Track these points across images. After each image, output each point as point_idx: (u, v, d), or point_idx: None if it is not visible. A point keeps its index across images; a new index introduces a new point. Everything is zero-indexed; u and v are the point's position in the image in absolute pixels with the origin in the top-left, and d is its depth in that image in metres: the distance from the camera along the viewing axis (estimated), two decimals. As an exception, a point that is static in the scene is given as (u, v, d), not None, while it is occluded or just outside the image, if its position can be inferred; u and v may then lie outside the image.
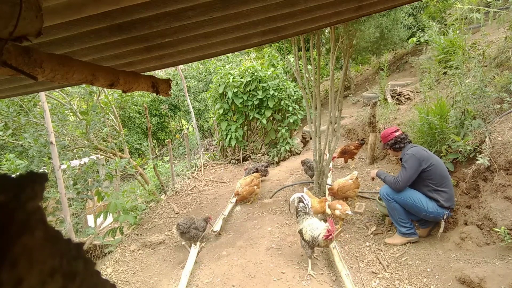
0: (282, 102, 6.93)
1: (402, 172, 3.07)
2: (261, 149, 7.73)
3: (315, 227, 2.90)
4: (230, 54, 10.68)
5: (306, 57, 4.37)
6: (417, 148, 3.11)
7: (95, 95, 5.74)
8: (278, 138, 7.13)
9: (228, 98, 6.91)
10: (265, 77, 6.85)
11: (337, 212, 3.54)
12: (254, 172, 5.33)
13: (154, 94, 2.08)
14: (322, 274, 2.98)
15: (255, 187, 4.76)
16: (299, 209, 3.26)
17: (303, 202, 3.26)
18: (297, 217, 3.27)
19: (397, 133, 3.23)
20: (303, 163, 5.18)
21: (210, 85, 7.79)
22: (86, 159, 5.24)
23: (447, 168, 3.23)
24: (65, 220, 4.03)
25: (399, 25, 7.37)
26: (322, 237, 2.76)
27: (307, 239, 2.89)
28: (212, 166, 7.28)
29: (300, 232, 3.03)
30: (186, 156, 8.09)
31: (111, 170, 5.36)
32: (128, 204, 4.71)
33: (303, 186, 5.10)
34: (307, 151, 7.17)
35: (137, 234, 4.62)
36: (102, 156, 6.28)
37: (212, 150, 8.45)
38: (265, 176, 5.65)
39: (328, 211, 3.76)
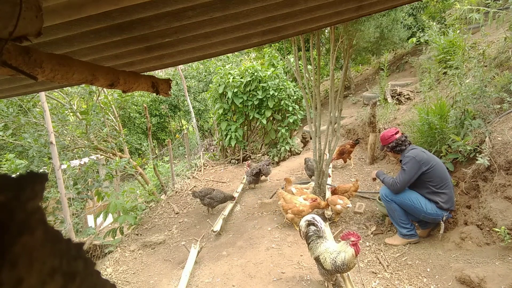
0: (282, 102, 6.93)
1: (401, 174, 3.06)
2: (261, 149, 7.73)
3: (333, 251, 2.49)
4: (230, 54, 10.68)
5: (306, 57, 4.36)
6: (417, 150, 3.08)
7: (95, 95, 5.75)
8: (278, 138, 7.13)
9: (228, 98, 6.91)
10: (265, 77, 6.85)
11: (338, 207, 3.57)
12: (256, 172, 5.32)
13: (154, 94, 2.08)
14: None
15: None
16: (310, 234, 2.74)
17: (315, 225, 2.78)
18: (308, 243, 2.73)
19: (397, 135, 3.18)
20: (305, 161, 5.21)
21: (210, 85, 7.79)
22: (86, 159, 5.24)
23: (447, 168, 3.23)
24: (65, 220, 4.03)
25: (399, 25, 7.34)
26: (352, 254, 2.37)
27: (329, 268, 2.47)
28: (212, 166, 7.27)
29: (317, 259, 2.60)
30: (186, 156, 8.09)
31: (111, 170, 5.37)
32: (128, 204, 4.71)
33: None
34: (307, 151, 7.17)
35: (137, 234, 4.62)
36: (102, 156, 6.28)
37: (212, 150, 8.45)
38: (265, 176, 5.64)
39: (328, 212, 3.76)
